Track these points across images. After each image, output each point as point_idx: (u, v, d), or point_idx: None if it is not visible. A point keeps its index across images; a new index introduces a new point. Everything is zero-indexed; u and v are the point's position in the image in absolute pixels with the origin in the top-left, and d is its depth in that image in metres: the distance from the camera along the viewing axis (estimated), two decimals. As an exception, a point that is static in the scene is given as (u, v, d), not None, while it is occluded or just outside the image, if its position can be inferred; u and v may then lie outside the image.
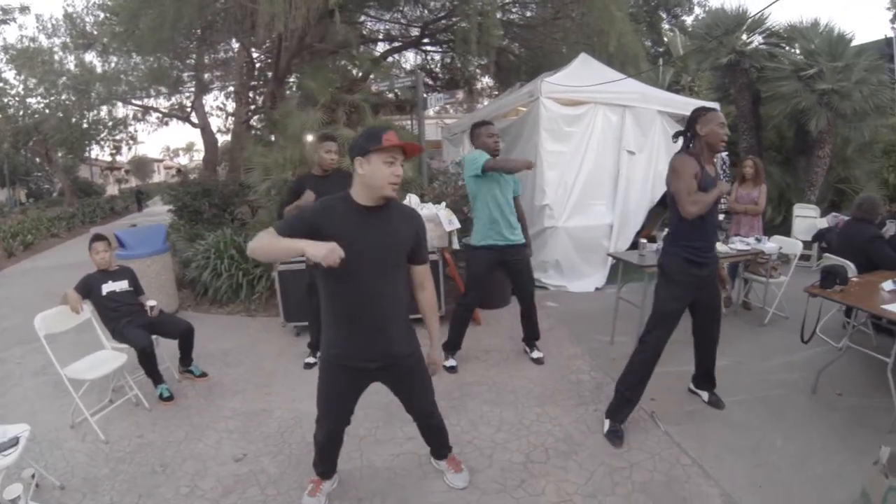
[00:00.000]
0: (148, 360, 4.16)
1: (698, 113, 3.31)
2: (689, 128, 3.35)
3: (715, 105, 8.64)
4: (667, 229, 3.68)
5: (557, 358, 4.92)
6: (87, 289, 4.28)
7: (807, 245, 7.21)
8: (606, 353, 4.97)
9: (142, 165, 42.60)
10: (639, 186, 7.66)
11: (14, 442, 2.77)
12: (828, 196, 10.92)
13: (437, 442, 3.05)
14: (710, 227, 3.45)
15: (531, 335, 4.91)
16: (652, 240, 5.46)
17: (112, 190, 35.80)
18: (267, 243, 2.22)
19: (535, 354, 4.85)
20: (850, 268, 4.62)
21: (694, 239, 3.39)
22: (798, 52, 10.76)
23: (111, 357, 4.12)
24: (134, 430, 3.82)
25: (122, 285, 4.47)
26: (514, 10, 11.46)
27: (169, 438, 3.70)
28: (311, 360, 4.88)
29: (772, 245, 5.63)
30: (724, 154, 8.68)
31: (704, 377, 3.94)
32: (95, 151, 26.90)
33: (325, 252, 2.04)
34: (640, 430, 3.62)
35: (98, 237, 4.54)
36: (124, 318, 4.30)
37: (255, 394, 4.37)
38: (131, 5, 9.12)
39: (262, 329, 5.97)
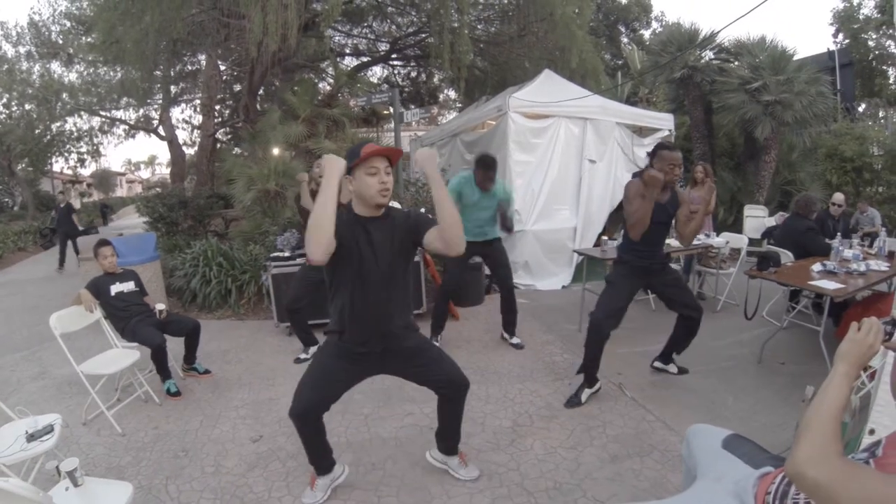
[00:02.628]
0: (161, 358, 4.37)
1: (657, 150, 3.88)
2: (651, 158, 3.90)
3: (669, 118, 9.30)
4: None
5: (532, 344, 5.44)
6: (97, 289, 4.46)
7: (757, 242, 7.87)
8: (575, 338, 5.49)
9: (105, 179, 41.81)
10: (600, 192, 8.32)
11: (49, 429, 2.90)
12: (776, 197, 11.69)
13: (448, 427, 3.09)
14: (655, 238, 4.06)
15: (511, 324, 5.41)
16: (613, 239, 6.03)
17: (74, 204, 35.12)
18: (314, 217, 2.26)
19: (515, 340, 5.36)
20: (788, 255, 5.28)
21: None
22: (745, 66, 11.52)
23: (124, 354, 4.29)
24: (148, 423, 4.00)
25: (129, 286, 4.69)
26: (479, 27, 11.88)
27: (185, 427, 3.92)
28: (303, 355, 5.16)
29: (719, 240, 6.32)
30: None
31: (669, 354, 4.46)
32: (59, 164, 26.47)
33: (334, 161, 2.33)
34: (610, 399, 4.16)
35: (103, 242, 4.77)
36: (134, 317, 4.50)
37: (261, 385, 4.66)
38: (109, 17, 9.19)
39: (255, 331, 6.25)
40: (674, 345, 4.37)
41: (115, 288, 4.60)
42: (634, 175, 3.98)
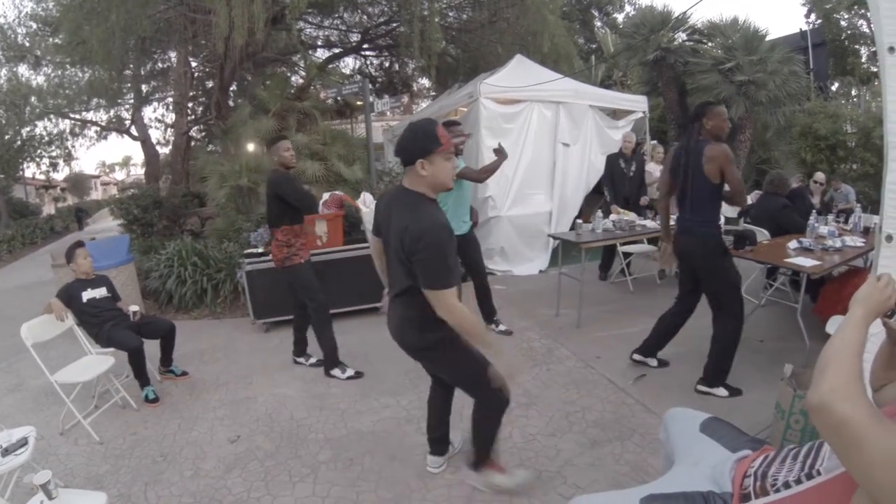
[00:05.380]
0: (138, 361, 4.29)
1: (709, 106, 3.69)
2: (697, 119, 3.69)
3: (643, 100, 9.31)
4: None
5: (509, 330, 5.41)
6: (68, 296, 4.35)
7: (734, 221, 7.90)
8: (553, 323, 5.51)
9: (79, 183, 41.21)
10: (574, 175, 8.31)
11: (23, 442, 2.83)
12: (751, 176, 11.78)
13: (474, 442, 2.90)
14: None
15: (490, 312, 5.37)
16: (588, 223, 5.99)
17: (49, 209, 34.63)
18: (467, 325, 2.32)
19: (502, 328, 5.32)
20: (764, 234, 5.30)
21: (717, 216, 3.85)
22: (718, 47, 11.58)
23: (98, 361, 4.21)
24: (126, 429, 3.94)
25: (101, 292, 4.58)
26: (451, 14, 11.80)
27: (163, 432, 3.87)
28: (302, 359, 4.99)
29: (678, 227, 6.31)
30: (654, 142, 9.35)
31: (657, 347, 4.34)
32: (31, 170, 26.02)
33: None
34: (588, 383, 4.17)
35: (78, 244, 4.67)
36: (107, 322, 4.40)
37: (238, 385, 4.62)
38: (74, 17, 9.00)
39: (231, 329, 6.20)
40: (664, 338, 4.28)
41: (87, 294, 4.49)
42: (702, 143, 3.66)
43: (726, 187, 3.65)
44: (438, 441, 3.12)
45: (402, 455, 3.30)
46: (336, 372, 4.60)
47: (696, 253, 3.80)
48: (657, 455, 2.99)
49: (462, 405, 3.17)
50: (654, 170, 7.52)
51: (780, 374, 3.09)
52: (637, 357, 4.39)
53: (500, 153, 4.93)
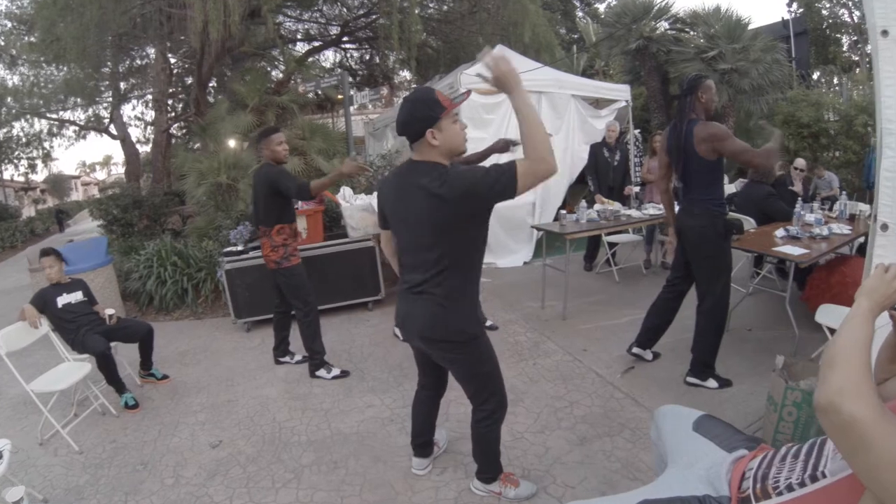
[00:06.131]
0: (107, 366, 4.14)
1: (701, 80, 3.57)
2: (691, 92, 3.56)
3: (625, 89, 9.27)
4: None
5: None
6: (43, 302, 4.23)
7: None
8: (538, 316, 5.45)
9: (59, 184, 40.66)
10: (557, 165, 8.17)
11: None
12: (734, 164, 11.76)
13: (477, 456, 2.80)
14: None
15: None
16: (572, 213, 5.92)
17: (29, 211, 34.12)
18: (533, 131, 2.09)
19: (488, 323, 5.20)
20: (750, 222, 5.26)
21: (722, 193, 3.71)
22: (700, 36, 11.58)
23: (75, 367, 4.07)
24: (106, 437, 3.83)
25: (76, 296, 4.46)
26: (431, 5, 11.73)
27: (143, 439, 3.76)
28: (287, 358, 4.88)
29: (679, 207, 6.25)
30: (637, 131, 9.32)
31: (654, 338, 4.21)
32: (9, 172, 25.66)
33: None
34: (576, 377, 4.10)
35: (45, 252, 4.53)
36: (83, 328, 4.28)
37: (219, 387, 4.51)
38: (49, 14, 8.85)
39: (213, 329, 6.08)
40: (661, 328, 4.14)
41: (63, 300, 4.37)
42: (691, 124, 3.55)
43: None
44: (423, 445, 3.03)
45: (386, 456, 3.23)
46: (322, 372, 4.48)
47: (701, 233, 3.64)
48: (648, 451, 2.94)
49: (448, 400, 3.07)
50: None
51: (770, 363, 3.05)
52: (636, 350, 4.25)
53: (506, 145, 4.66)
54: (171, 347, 5.52)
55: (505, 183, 2.01)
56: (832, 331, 3.58)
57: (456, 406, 3.66)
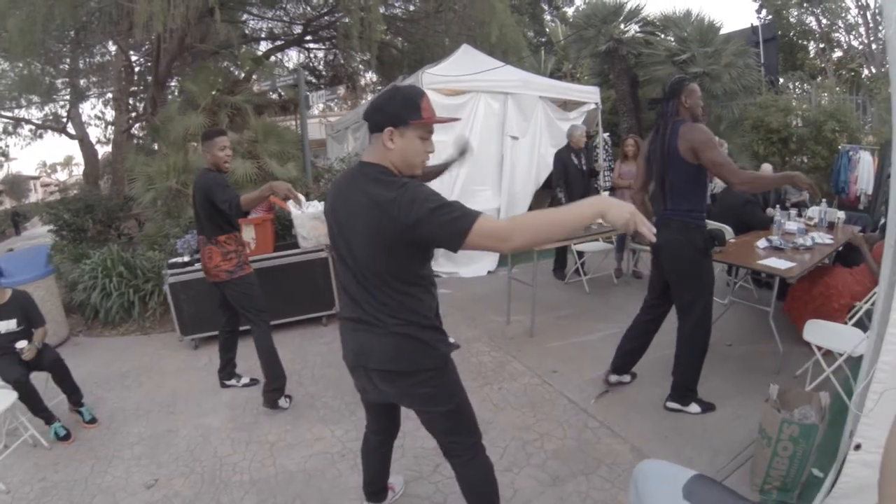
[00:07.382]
0: (28, 396, 3.72)
1: (684, 83, 3.32)
2: (674, 96, 3.31)
3: (595, 91, 9.08)
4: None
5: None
6: None
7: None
8: (503, 332, 5.15)
9: (16, 184, 39.41)
10: (524, 170, 8.01)
11: None
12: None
13: None
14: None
15: None
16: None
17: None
18: (542, 223, 1.73)
19: (451, 340, 4.87)
20: (728, 231, 5.05)
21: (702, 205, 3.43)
22: (672, 39, 11.50)
23: (1, 397, 3.64)
24: (35, 474, 3.49)
25: (9, 325, 3.92)
26: (396, 4, 11.52)
27: (74, 476, 3.42)
28: (233, 381, 4.48)
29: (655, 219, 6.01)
30: (606, 135, 9.12)
31: (631, 362, 3.90)
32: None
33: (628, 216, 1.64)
34: (545, 403, 3.78)
35: None
36: (7, 354, 3.80)
37: (159, 414, 4.14)
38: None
39: (160, 346, 5.68)
40: (637, 353, 3.83)
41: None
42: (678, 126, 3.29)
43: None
44: (377, 492, 2.66)
45: (335, 499, 2.91)
46: (283, 402, 4.04)
47: (678, 249, 3.35)
48: (628, 490, 2.64)
49: (403, 432, 2.71)
50: None
51: (754, 381, 2.82)
52: (613, 379, 3.89)
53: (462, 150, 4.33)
54: (113, 367, 5.11)
55: (452, 231, 1.69)
56: (820, 349, 3.40)
57: (412, 439, 3.31)
